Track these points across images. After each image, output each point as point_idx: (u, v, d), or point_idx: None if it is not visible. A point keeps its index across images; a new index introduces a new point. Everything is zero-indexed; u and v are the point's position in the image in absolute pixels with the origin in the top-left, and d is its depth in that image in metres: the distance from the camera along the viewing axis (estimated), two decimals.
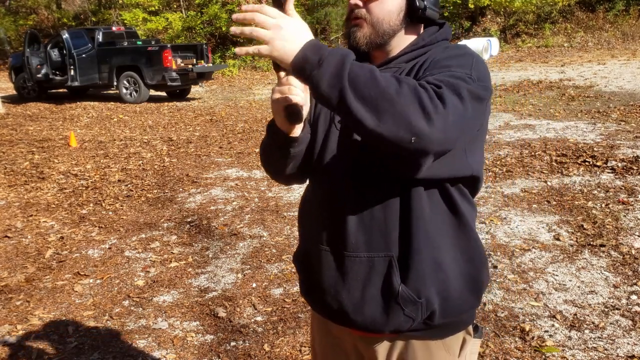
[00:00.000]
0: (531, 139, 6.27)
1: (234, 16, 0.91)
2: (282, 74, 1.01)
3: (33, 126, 9.60)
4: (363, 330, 1.15)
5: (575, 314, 2.62)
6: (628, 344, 2.36)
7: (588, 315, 2.60)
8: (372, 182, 1.09)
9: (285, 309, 2.86)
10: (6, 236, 4.16)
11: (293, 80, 1.00)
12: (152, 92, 13.03)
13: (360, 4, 1.09)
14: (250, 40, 17.76)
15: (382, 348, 1.17)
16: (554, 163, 5.20)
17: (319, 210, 1.18)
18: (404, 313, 1.10)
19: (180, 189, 5.26)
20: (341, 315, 1.16)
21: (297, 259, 1.30)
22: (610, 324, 2.52)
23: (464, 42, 17.64)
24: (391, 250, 1.10)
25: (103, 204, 4.87)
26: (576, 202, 4.11)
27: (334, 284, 1.15)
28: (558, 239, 3.50)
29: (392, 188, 1.09)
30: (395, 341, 1.16)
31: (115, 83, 12.66)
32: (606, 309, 2.65)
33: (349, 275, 1.13)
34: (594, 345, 2.37)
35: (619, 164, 4.91)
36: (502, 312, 2.68)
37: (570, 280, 2.96)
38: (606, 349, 2.33)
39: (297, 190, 4.94)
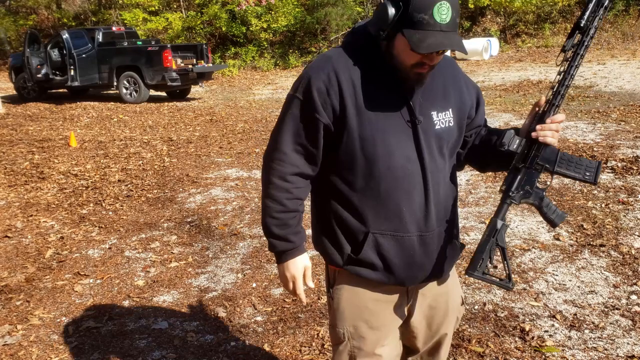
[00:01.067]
0: None
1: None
2: None
3: (33, 126, 9.60)
4: (436, 279, 1.51)
5: (575, 314, 2.62)
6: (628, 344, 2.36)
7: (588, 315, 2.60)
8: (442, 167, 1.42)
9: (285, 309, 2.86)
10: (6, 236, 4.16)
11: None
12: (152, 92, 13.03)
13: (435, 60, 1.30)
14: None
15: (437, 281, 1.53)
16: None
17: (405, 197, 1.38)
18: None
19: (180, 189, 5.26)
20: (419, 278, 1.45)
21: (364, 244, 1.41)
22: (610, 323, 2.52)
23: (464, 41, 17.62)
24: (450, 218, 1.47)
25: (103, 204, 4.88)
26: (576, 202, 4.12)
27: (419, 257, 1.42)
28: (558, 239, 3.50)
29: (451, 166, 1.47)
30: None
31: (115, 83, 12.66)
32: (606, 309, 2.65)
33: (429, 247, 1.42)
34: (594, 345, 2.37)
35: (619, 164, 4.92)
36: (502, 312, 2.68)
37: (570, 280, 2.96)
38: (606, 349, 2.34)
39: None
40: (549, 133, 1.35)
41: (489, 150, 1.46)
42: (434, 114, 1.38)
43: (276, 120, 1.44)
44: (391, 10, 1.23)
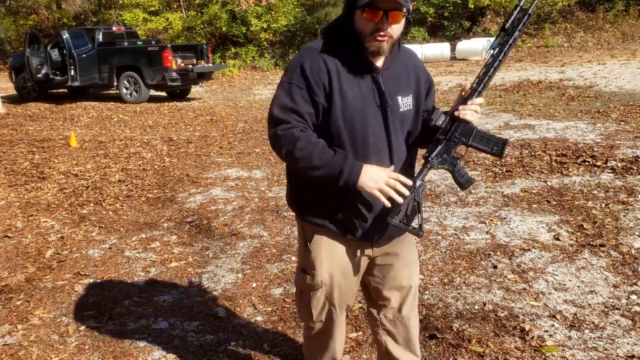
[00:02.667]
0: (531, 139, 6.27)
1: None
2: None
3: (33, 126, 9.60)
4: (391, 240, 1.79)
5: (575, 314, 2.62)
6: (628, 343, 2.37)
7: (588, 315, 2.60)
8: (402, 143, 1.69)
9: (285, 308, 2.86)
10: (6, 236, 4.16)
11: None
12: (153, 92, 13.03)
13: (387, 26, 1.52)
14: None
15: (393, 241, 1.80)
16: (553, 163, 5.20)
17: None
18: None
19: (181, 189, 5.26)
20: (381, 237, 1.73)
21: (337, 201, 1.67)
22: (610, 323, 2.52)
23: (464, 41, 17.65)
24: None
25: (103, 204, 4.88)
26: (576, 202, 4.12)
27: (382, 219, 1.66)
28: (558, 239, 3.50)
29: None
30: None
31: (115, 83, 12.67)
32: (606, 309, 2.65)
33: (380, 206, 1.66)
34: (594, 345, 2.37)
35: (619, 164, 4.92)
36: (502, 312, 2.68)
37: (570, 280, 2.96)
38: (606, 349, 2.34)
39: None
40: (469, 112, 1.62)
41: (424, 128, 1.74)
42: (399, 98, 1.65)
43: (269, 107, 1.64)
44: None
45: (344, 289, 1.81)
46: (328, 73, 1.55)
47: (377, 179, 1.54)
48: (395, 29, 1.54)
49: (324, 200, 1.68)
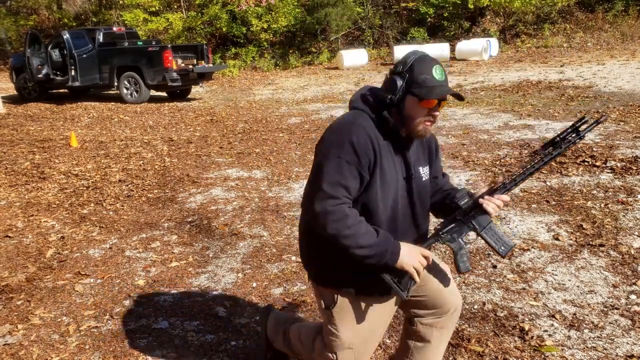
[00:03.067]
0: (530, 139, 6.28)
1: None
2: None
3: (34, 126, 9.61)
4: None
5: (575, 314, 2.63)
6: (627, 343, 2.37)
7: (587, 315, 2.61)
8: (423, 212, 1.81)
9: (285, 308, 2.87)
10: (7, 236, 4.17)
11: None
12: (153, 93, 13.04)
13: (438, 113, 1.65)
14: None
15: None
16: (553, 163, 5.21)
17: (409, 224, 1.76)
18: None
19: (181, 189, 5.27)
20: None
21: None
22: (610, 323, 2.53)
23: (463, 42, 17.66)
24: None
25: (104, 204, 4.89)
26: (575, 202, 4.12)
27: None
28: (557, 239, 3.51)
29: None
30: None
31: (115, 83, 12.68)
32: (605, 309, 2.66)
33: None
34: (594, 344, 2.38)
35: (618, 164, 4.92)
36: (502, 312, 2.69)
37: (570, 280, 2.97)
38: (605, 349, 2.34)
39: (297, 191, 4.95)
40: (492, 205, 1.69)
41: (446, 204, 1.82)
42: (420, 169, 1.76)
43: (312, 174, 1.67)
44: (399, 81, 1.60)
45: (372, 342, 1.81)
46: (374, 150, 1.60)
47: (414, 258, 1.62)
48: (439, 113, 1.66)
49: (346, 260, 1.63)
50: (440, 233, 1.73)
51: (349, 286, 1.71)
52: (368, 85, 1.79)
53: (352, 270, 1.67)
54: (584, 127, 1.64)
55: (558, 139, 1.63)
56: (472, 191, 1.80)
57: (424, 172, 1.78)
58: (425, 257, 1.65)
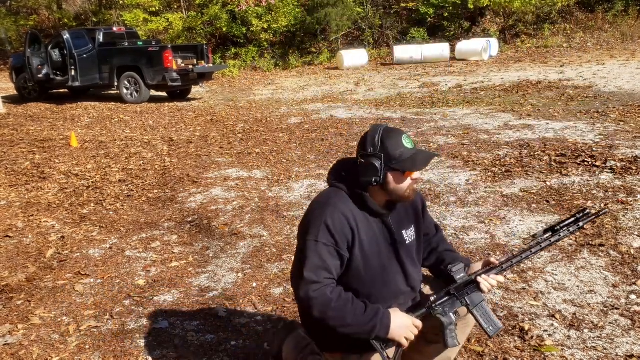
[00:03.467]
0: (530, 139, 6.28)
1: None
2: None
3: (34, 126, 9.61)
4: None
5: (575, 314, 2.63)
6: (627, 343, 2.37)
7: (587, 315, 2.61)
8: (414, 272, 1.88)
9: (285, 308, 2.87)
10: (7, 236, 4.17)
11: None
12: (153, 93, 13.05)
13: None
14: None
15: None
16: (553, 163, 5.21)
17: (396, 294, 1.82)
18: None
19: (181, 189, 5.27)
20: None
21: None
22: (610, 323, 2.53)
23: (463, 42, 17.66)
24: None
25: (104, 204, 4.89)
26: (575, 202, 4.12)
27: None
28: None
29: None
30: None
31: (116, 83, 12.68)
32: (605, 309, 2.66)
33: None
34: (593, 344, 2.38)
35: (618, 164, 4.92)
36: (502, 312, 2.69)
37: (570, 280, 2.97)
38: (605, 349, 2.34)
39: (297, 191, 4.96)
40: (487, 284, 1.74)
41: (441, 270, 1.88)
42: (404, 232, 1.82)
43: (295, 257, 1.74)
44: (377, 163, 1.66)
45: None
46: (351, 228, 1.68)
47: (404, 329, 1.65)
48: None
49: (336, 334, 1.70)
50: (433, 305, 1.76)
51: (343, 349, 1.79)
52: (342, 159, 1.86)
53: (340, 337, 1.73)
54: (584, 219, 1.72)
55: (558, 227, 1.70)
56: (468, 264, 1.86)
57: (409, 234, 1.84)
58: (417, 327, 1.67)
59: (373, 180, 1.68)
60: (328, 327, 1.64)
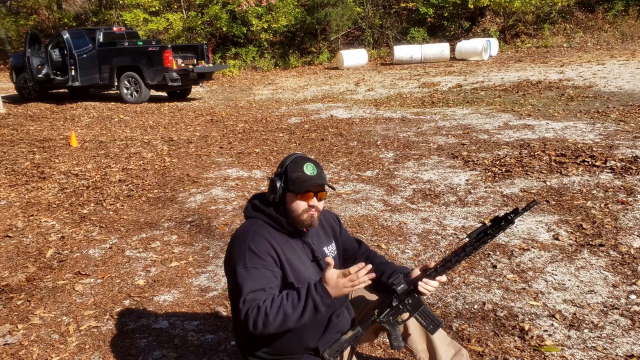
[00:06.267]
0: (530, 139, 6.28)
1: None
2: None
3: (34, 126, 9.61)
4: None
5: (575, 314, 2.63)
6: (627, 343, 2.37)
7: (587, 315, 2.61)
8: None
9: None
10: (7, 236, 4.17)
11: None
12: (153, 92, 13.05)
13: (317, 204, 1.84)
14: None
15: None
16: (553, 163, 5.21)
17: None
18: None
19: (181, 189, 5.27)
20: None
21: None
22: (610, 323, 2.53)
23: (463, 42, 17.66)
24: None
25: (104, 204, 4.89)
26: (575, 202, 4.12)
27: None
28: (557, 239, 3.51)
29: None
30: None
31: (116, 83, 12.68)
32: (605, 309, 2.66)
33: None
34: (593, 344, 2.38)
35: (618, 164, 4.92)
36: (502, 312, 2.69)
37: (570, 280, 2.97)
38: (605, 349, 2.34)
39: None
40: (428, 287, 1.81)
41: (381, 281, 1.93)
42: (325, 249, 1.96)
43: (229, 287, 1.84)
44: (278, 182, 1.81)
45: None
46: (273, 248, 1.77)
47: (341, 284, 1.64)
48: (322, 204, 1.86)
49: (283, 336, 1.75)
50: (378, 319, 1.85)
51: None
52: (256, 193, 2.00)
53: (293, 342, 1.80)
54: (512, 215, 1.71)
55: (490, 231, 1.72)
56: (406, 273, 1.90)
57: (330, 250, 1.97)
58: (348, 274, 1.65)
59: (272, 197, 1.83)
60: (280, 331, 1.66)
